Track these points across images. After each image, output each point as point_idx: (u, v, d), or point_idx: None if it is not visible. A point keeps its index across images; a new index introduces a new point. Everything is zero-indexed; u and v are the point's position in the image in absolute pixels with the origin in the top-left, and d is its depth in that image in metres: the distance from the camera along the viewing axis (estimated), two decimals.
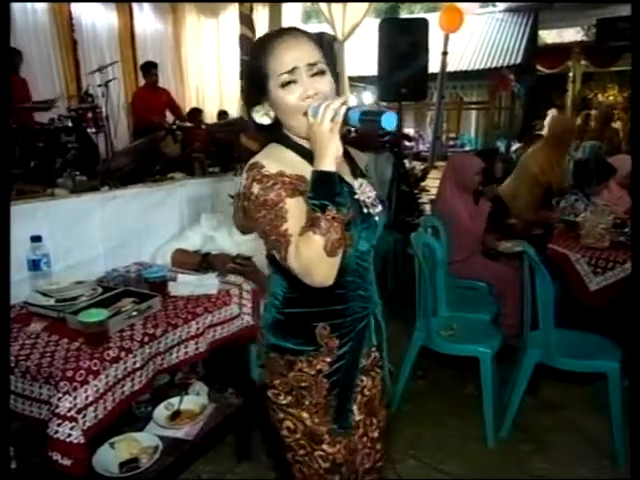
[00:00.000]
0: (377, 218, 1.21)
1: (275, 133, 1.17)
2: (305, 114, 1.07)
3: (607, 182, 3.43)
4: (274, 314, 1.21)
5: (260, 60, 1.11)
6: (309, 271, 1.02)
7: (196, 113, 6.91)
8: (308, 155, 1.10)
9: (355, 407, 1.29)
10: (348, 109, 1.02)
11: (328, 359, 1.18)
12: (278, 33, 1.13)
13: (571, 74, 11.32)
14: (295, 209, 1.04)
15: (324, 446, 1.20)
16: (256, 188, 1.05)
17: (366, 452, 1.35)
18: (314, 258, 1.00)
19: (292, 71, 1.07)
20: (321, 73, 1.10)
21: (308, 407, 1.19)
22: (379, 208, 1.22)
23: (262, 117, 1.16)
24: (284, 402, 1.20)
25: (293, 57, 1.08)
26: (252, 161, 1.09)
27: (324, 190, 1.02)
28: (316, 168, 1.03)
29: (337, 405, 1.21)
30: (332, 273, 1.04)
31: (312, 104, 1.05)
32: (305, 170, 1.08)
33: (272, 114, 1.15)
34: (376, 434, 1.36)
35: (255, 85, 1.14)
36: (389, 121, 0.99)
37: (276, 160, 1.09)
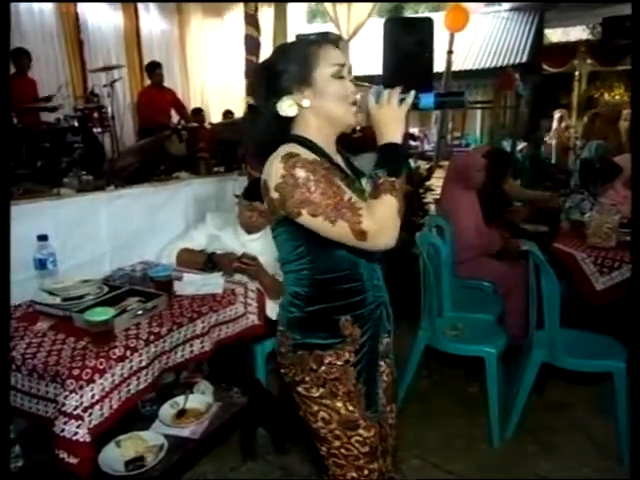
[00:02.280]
0: None
1: (289, 134, 1.21)
2: (354, 103, 1.18)
3: (613, 182, 3.41)
4: (297, 313, 1.25)
5: (306, 50, 1.18)
6: (383, 231, 1.10)
7: (200, 113, 6.92)
8: (326, 155, 1.19)
9: (381, 392, 1.36)
10: (417, 93, 1.13)
11: (353, 349, 1.24)
12: (319, 34, 1.26)
13: (577, 73, 11.26)
14: (343, 184, 1.12)
15: (360, 431, 1.25)
16: (302, 172, 1.09)
17: (388, 440, 1.42)
18: (389, 218, 1.09)
19: (342, 66, 1.18)
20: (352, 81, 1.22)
21: (342, 396, 1.23)
22: None
23: (289, 108, 1.18)
24: (316, 394, 1.24)
25: (342, 56, 1.20)
26: (284, 153, 1.12)
27: (396, 160, 1.13)
28: (384, 141, 1.13)
29: (366, 391, 1.27)
30: (396, 235, 1.12)
31: (371, 89, 1.16)
32: (328, 164, 1.17)
33: (306, 103, 1.18)
34: (393, 420, 1.44)
35: (294, 72, 1.17)
36: (466, 96, 1.12)
37: (305, 152, 1.14)
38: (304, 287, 1.23)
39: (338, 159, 1.26)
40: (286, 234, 1.19)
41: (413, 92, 1.13)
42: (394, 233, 1.11)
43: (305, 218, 1.10)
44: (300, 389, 1.26)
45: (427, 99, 1.13)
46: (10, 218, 1.24)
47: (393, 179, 1.10)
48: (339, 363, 1.22)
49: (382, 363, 1.37)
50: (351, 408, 1.24)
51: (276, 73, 1.19)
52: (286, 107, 1.18)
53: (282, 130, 1.21)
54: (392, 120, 1.13)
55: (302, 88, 1.17)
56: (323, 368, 1.22)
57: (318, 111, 1.19)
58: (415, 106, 1.14)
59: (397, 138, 1.13)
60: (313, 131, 1.20)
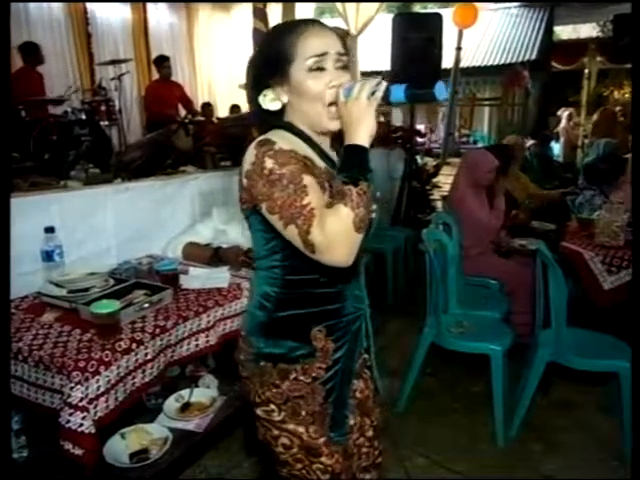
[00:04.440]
0: (373, 215, 1.15)
1: (276, 121, 1.13)
2: (331, 105, 1.05)
3: (618, 180, 3.39)
4: (263, 318, 1.14)
5: (283, 42, 1.06)
6: (333, 247, 0.96)
7: (208, 107, 6.93)
8: (313, 143, 1.11)
9: (349, 412, 1.25)
10: (388, 85, 1.00)
11: (324, 365, 1.13)
12: (304, 21, 1.10)
13: (586, 71, 11.17)
14: (312, 185, 1.00)
15: (322, 459, 1.15)
16: (269, 162, 1.00)
17: (364, 451, 1.32)
18: (341, 232, 0.95)
19: (322, 56, 1.05)
20: (345, 67, 1.08)
21: (304, 418, 1.13)
22: (373, 207, 1.15)
23: (271, 102, 1.10)
24: (278, 419, 1.14)
25: (324, 42, 1.06)
26: (260, 138, 1.05)
27: (357, 164, 0.99)
28: (349, 142, 1.00)
29: (333, 412, 1.17)
30: (354, 252, 0.98)
31: (344, 85, 1.03)
32: (311, 154, 1.09)
33: (285, 99, 1.10)
34: (371, 433, 1.33)
35: (270, 67, 1.09)
36: (441, 90, 0.98)
37: (286, 140, 1.06)
38: (274, 287, 1.12)
39: (327, 149, 1.16)
40: (258, 225, 1.10)
41: (384, 84, 1.00)
42: (346, 250, 0.97)
43: (264, 212, 1.03)
44: (259, 412, 1.17)
45: (398, 92, 1.00)
46: (10, 210, 1.23)
47: (351, 188, 0.95)
48: (306, 380, 1.12)
49: (355, 381, 1.26)
50: (314, 434, 1.14)
51: (257, 65, 1.13)
52: (268, 101, 1.11)
53: (272, 118, 1.13)
54: (358, 117, 0.99)
55: (280, 83, 1.08)
56: (287, 384, 1.12)
57: (296, 109, 1.10)
58: (386, 99, 1.01)
59: (362, 139, 0.99)
60: (301, 119, 1.12)
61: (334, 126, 1.08)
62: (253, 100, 1.14)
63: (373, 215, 1.14)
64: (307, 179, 1.00)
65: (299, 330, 1.12)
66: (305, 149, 1.10)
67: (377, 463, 1.37)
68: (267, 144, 1.02)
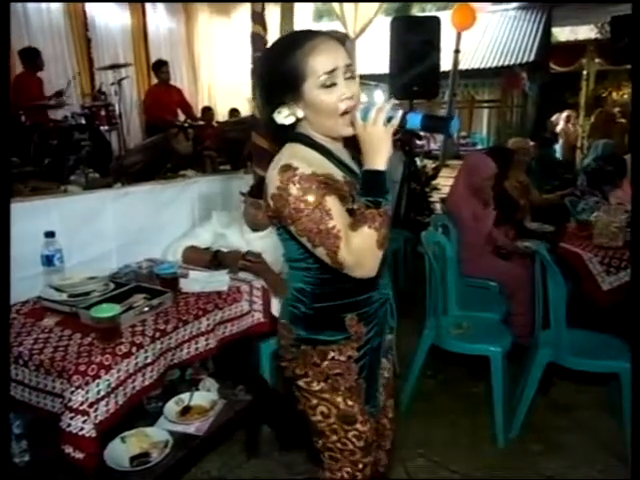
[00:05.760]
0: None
1: (292, 133, 1.19)
2: (343, 114, 1.12)
3: (621, 181, 3.39)
4: (303, 309, 1.25)
5: (293, 60, 1.10)
6: (361, 264, 1.09)
7: (208, 111, 6.94)
8: (330, 154, 1.19)
9: (381, 388, 1.38)
10: (405, 113, 1.08)
11: (357, 345, 1.25)
12: (309, 35, 1.13)
13: (585, 72, 11.18)
14: (335, 206, 1.09)
15: (357, 425, 1.26)
16: (294, 189, 1.08)
17: (387, 434, 1.46)
18: (367, 251, 1.08)
19: (332, 72, 1.10)
20: (353, 77, 1.14)
21: (343, 391, 1.25)
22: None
23: (287, 118, 1.16)
24: (317, 388, 1.25)
25: (333, 57, 1.11)
26: (282, 163, 1.11)
27: (377, 188, 1.09)
28: (369, 167, 1.10)
29: (366, 387, 1.29)
30: (377, 265, 1.12)
31: (360, 106, 1.11)
32: (330, 168, 1.16)
33: (300, 114, 1.15)
34: (392, 414, 1.47)
35: (282, 86, 1.13)
36: (455, 126, 1.06)
37: (304, 160, 1.12)
38: (310, 284, 1.23)
39: (344, 157, 1.23)
40: (289, 235, 1.18)
41: (401, 112, 1.08)
42: (372, 264, 1.11)
43: (293, 232, 1.13)
44: (301, 383, 1.27)
45: (414, 119, 1.08)
46: (10, 215, 1.23)
47: (373, 211, 1.07)
48: (342, 359, 1.23)
49: (384, 360, 1.38)
50: (350, 403, 1.25)
51: (269, 84, 1.18)
52: (282, 118, 1.16)
53: (286, 131, 1.19)
54: (377, 144, 1.08)
55: (294, 100, 1.14)
56: (326, 363, 1.23)
57: (312, 122, 1.17)
58: (402, 126, 1.09)
59: (381, 164, 1.09)
60: (317, 129, 1.19)
61: (348, 132, 1.15)
62: (267, 116, 1.19)
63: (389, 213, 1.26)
64: (330, 201, 1.09)
65: (334, 319, 1.23)
66: (323, 163, 1.16)
67: (390, 449, 1.52)
68: (290, 170, 1.09)
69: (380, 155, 1.09)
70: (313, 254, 1.16)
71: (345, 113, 1.12)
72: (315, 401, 1.26)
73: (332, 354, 1.23)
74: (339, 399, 1.25)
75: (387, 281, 1.33)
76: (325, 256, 1.10)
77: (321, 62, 1.09)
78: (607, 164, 3.65)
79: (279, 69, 1.13)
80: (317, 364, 1.24)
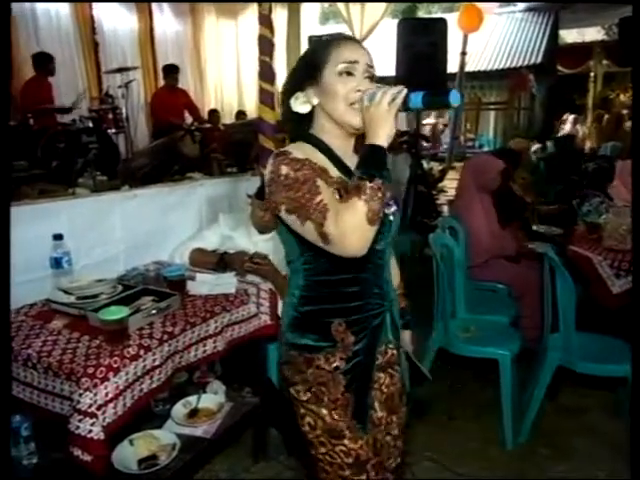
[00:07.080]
0: (392, 217, 1.26)
1: (304, 132, 1.22)
2: (351, 104, 1.14)
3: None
4: (292, 313, 1.23)
5: (321, 49, 1.18)
6: (346, 238, 1.02)
7: (214, 114, 6.97)
8: (331, 153, 1.19)
9: (376, 404, 1.30)
10: (408, 92, 1.08)
11: (344, 355, 1.20)
12: (342, 36, 1.24)
13: (592, 74, 11.14)
14: (325, 187, 1.09)
15: (345, 441, 1.21)
16: (285, 169, 1.09)
17: (391, 451, 1.36)
18: (354, 224, 1.02)
19: (353, 63, 1.15)
20: (372, 79, 1.18)
21: (327, 403, 1.20)
22: (393, 208, 1.26)
23: (302, 104, 1.20)
24: (304, 398, 1.22)
25: (357, 52, 1.17)
26: (278, 150, 1.15)
27: (374, 162, 1.07)
28: (369, 142, 1.09)
29: (355, 401, 1.22)
30: (367, 244, 1.05)
31: (368, 91, 1.12)
32: (328, 164, 1.16)
33: (315, 101, 1.19)
34: (396, 431, 1.37)
35: (306, 71, 1.19)
36: (455, 98, 1.05)
37: (302, 151, 1.14)
38: (299, 287, 1.22)
39: (349, 161, 1.21)
40: (286, 232, 1.18)
41: (404, 91, 1.08)
42: (360, 242, 1.04)
43: (283, 215, 1.11)
44: (291, 390, 1.25)
45: (416, 99, 1.07)
46: (10, 217, 1.23)
47: (366, 182, 1.03)
48: (327, 368, 1.19)
49: (381, 375, 1.31)
50: (336, 417, 1.20)
51: (294, 70, 1.24)
52: (298, 104, 1.20)
53: (300, 127, 1.23)
54: (378, 120, 1.08)
55: (312, 85, 1.18)
56: (310, 371, 1.20)
57: (324, 110, 1.19)
58: (406, 105, 1.08)
59: (380, 139, 1.07)
60: (326, 132, 1.21)
61: (357, 122, 1.15)
62: (285, 104, 1.23)
63: (391, 218, 1.25)
64: (320, 182, 1.09)
65: (319, 324, 1.20)
66: (321, 159, 1.17)
67: (397, 465, 1.40)
68: (282, 154, 1.12)
69: (382, 129, 1.07)
70: (306, 253, 1.16)
71: (353, 104, 1.15)
72: (302, 411, 1.24)
73: (317, 362, 1.19)
74: (324, 411, 1.20)
75: (387, 290, 1.28)
76: (313, 230, 1.05)
77: (344, 52, 1.16)
78: (604, 162, 3.64)
79: (307, 56, 1.24)
80: (302, 371, 1.21)
